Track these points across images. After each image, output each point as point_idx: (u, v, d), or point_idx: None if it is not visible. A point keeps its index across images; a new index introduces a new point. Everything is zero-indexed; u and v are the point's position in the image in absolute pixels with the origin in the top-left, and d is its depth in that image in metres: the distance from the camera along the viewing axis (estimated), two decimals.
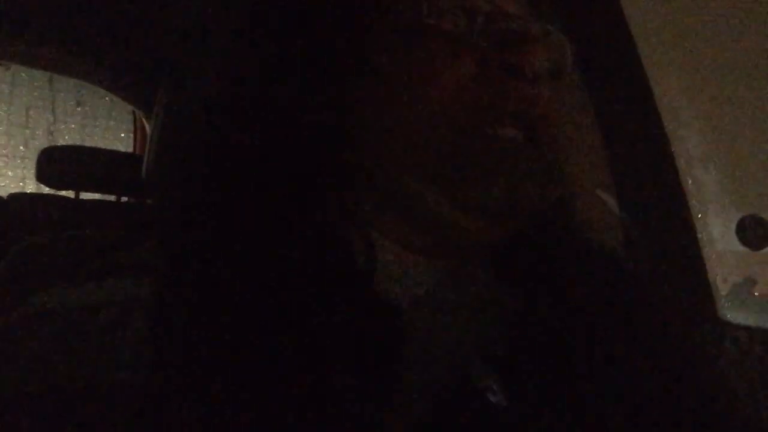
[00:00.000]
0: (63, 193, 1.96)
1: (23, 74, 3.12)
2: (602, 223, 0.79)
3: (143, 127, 2.41)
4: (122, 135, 3.23)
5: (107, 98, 2.66)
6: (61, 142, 3.21)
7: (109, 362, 0.38)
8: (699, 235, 0.83)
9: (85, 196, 1.98)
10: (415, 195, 0.43)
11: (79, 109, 3.27)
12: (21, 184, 3.22)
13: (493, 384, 0.44)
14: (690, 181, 0.82)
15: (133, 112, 2.52)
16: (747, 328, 0.72)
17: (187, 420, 0.37)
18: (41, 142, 3.14)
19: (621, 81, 0.81)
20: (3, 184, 3.19)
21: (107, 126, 3.29)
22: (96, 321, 0.39)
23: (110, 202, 2.02)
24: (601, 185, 0.80)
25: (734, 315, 0.79)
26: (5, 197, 1.97)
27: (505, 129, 0.43)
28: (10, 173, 3.23)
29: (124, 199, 2.03)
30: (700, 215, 0.82)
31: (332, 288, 0.41)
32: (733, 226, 0.87)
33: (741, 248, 0.85)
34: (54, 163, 1.89)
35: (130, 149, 2.69)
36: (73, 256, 0.44)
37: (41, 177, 1.90)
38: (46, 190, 1.98)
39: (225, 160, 0.45)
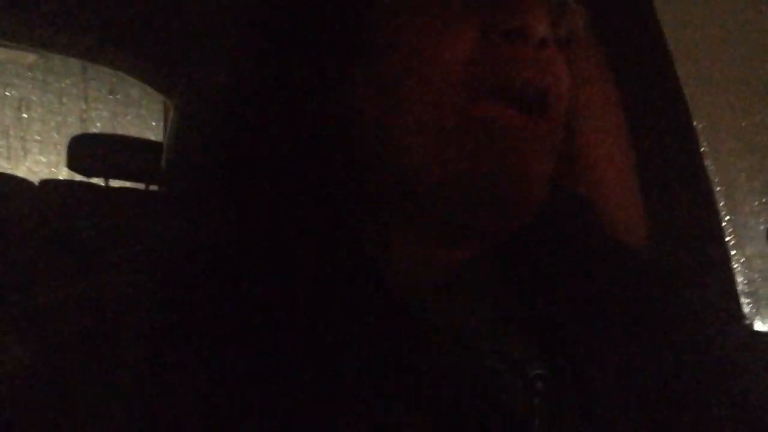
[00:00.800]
0: (93, 180, 1.99)
1: (57, 61, 3.17)
2: (625, 218, 0.78)
3: None
4: (153, 124, 3.26)
5: (139, 87, 2.68)
6: (92, 129, 3.25)
7: (108, 360, 0.38)
8: (728, 238, 0.81)
9: (115, 183, 2.00)
10: (415, 181, 0.42)
11: (111, 97, 3.31)
12: (53, 170, 3.26)
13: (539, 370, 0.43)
14: (720, 182, 0.81)
15: (164, 102, 2.54)
16: None
17: (190, 418, 0.36)
18: (73, 130, 3.18)
19: (645, 56, 0.79)
20: (36, 170, 3.25)
21: (138, 114, 3.32)
22: (97, 316, 0.39)
23: (139, 190, 2.04)
24: (625, 172, 0.79)
25: (761, 321, 0.78)
26: (37, 183, 2.00)
27: (513, 101, 0.41)
28: (43, 159, 3.28)
29: (153, 187, 2.05)
30: (730, 217, 0.81)
31: (343, 282, 0.41)
32: (764, 230, 0.85)
33: None
34: (85, 151, 1.91)
35: (161, 138, 2.71)
36: (76, 250, 0.45)
37: (72, 164, 1.93)
38: (77, 177, 2.01)
39: (235, 154, 0.45)
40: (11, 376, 0.37)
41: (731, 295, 0.77)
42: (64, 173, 3.15)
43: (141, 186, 2.06)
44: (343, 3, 0.44)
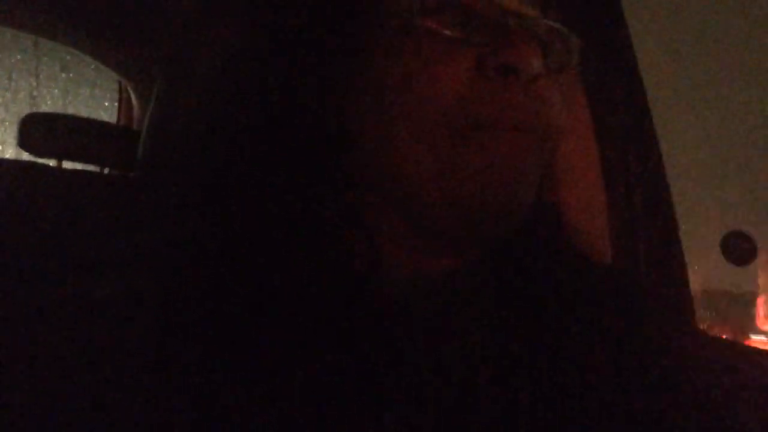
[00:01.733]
0: (44, 160, 1.93)
1: (7, 35, 3.06)
2: (591, 228, 0.80)
3: (129, 99, 2.38)
4: (106, 104, 3.18)
5: (93, 66, 2.61)
6: (43, 108, 3.15)
7: (112, 358, 0.37)
8: (684, 247, 0.84)
9: (67, 165, 1.95)
10: (410, 196, 0.43)
11: (63, 75, 3.21)
12: (0, 148, 3.16)
13: None
14: (677, 193, 0.84)
15: (119, 82, 2.49)
16: (723, 341, 0.74)
17: (190, 412, 0.36)
18: (22, 107, 3.08)
19: (618, 85, 0.82)
20: None
21: (91, 94, 3.23)
22: (99, 316, 0.39)
23: (94, 173, 1.99)
24: (593, 188, 0.81)
25: (713, 327, 0.81)
26: None
27: (501, 132, 0.42)
28: None
29: (107, 170, 2.00)
30: (685, 227, 0.84)
31: (331, 290, 0.41)
32: (718, 240, 0.89)
33: (725, 262, 0.86)
34: (37, 130, 1.86)
35: (114, 119, 2.65)
36: (71, 247, 0.44)
37: (23, 143, 1.86)
38: (25, 156, 1.95)
39: (221, 147, 0.45)
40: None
41: (687, 303, 0.80)
42: (10, 152, 3.06)
43: (94, 168, 2.01)
44: (341, 10, 0.44)
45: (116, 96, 2.62)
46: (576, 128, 0.75)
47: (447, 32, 0.42)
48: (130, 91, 2.31)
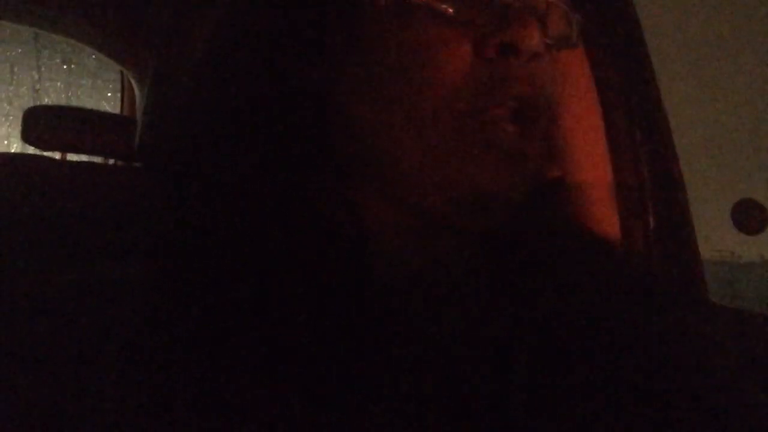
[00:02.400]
0: (49, 153, 1.93)
1: (8, 29, 3.05)
2: (599, 205, 0.79)
3: (131, 88, 2.37)
4: (109, 95, 3.18)
5: (94, 57, 2.61)
6: (46, 100, 3.16)
7: (100, 347, 0.37)
8: (694, 217, 0.83)
9: (72, 157, 1.95)
10: (405, 182, 0.42)
11: (65, 67, 3.21)
12: (5, 142, 3.17)
13: None
14: (685, 163, 0.82)
15: (121, 72, 2.48)
16: (735, 310, 0.73)
17: (179, 404, 0.36)
18: (26, 101, 3.08)
19: (625, 59, 0.81)
20: None
21: (94, 85, 3.23)
22: (89, 305, 0.39)
23: (98, 164, 1.99)
24: (599, 163, 0.80)
25: (724, 298, 0.80)
26: None
27: (503, 111, 0.42)
28: None
29: (112, 161, 2.00)
30: (694, 197, 0.83)
31: (324, 274, 0.41)
32: (729, 210, 0.87)
33: (735, 232, 0.85)
34: (40, 123, 1.86)
35: (117, 110, 2.65)
36: (65, 236, 0.44)
37: (27, 137, 1.86)
38: (30, 149, 1.95)
39: (217, 133, 0.45)
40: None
41: (695, 274, 0.79)
42: (16, 146, 3.07)
43: (98, 160, 2.01)
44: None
45: (119, 86, 2.62)
46: (580, 103, 0.74)
47: (444, 11, 0.42)
48: (132, 81, 2.30)
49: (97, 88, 3.25)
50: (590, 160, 0.72)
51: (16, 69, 3.16)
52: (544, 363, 0.44)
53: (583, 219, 0.61)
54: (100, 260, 0.41)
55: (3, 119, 3.14)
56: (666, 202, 0.81)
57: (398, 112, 0.41)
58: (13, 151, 2.89)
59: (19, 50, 3.15)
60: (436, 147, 0.41)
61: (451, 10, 0.42)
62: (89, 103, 3.22)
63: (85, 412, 0.35)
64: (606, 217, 0.73)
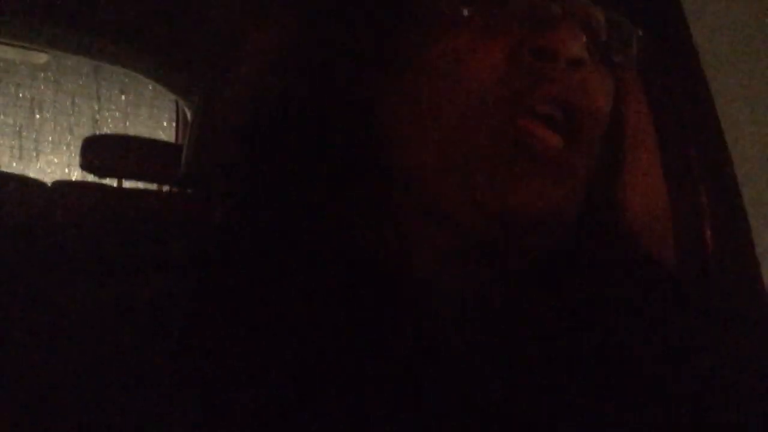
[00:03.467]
0: (106, 181, 1.98)
1: (69, 61, 3.17)
2: (653, 233, 0.76)
3: (185, 117, 2.43)
4: (164, 124, 3.26)
5: (150, 86, 2.68)
6: (105, 129, 3.26)
7: (138, 359, 0.37)
8: (756, 243, 0.80)
9: (128, 184, 2.00)
10: (439, 197, 0.41)
11: (123, 97, 3.31)
12: (66, 170, 3.27)
13: None
14: (748, 188, 0.79)
15: (176, 101, 2.54)
16: None
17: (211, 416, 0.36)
18: (86, 130, 3.19)
19: (680, 82, 0.78)
20: (49, 171, 3.25)
21: (150, 114, 3.32)
22: (128, 318, 0.39)
23: (152, 191, 2.04)
24: (655, 187, 0.77)
25: None
26: (50, 184, 2.00)
27: (540, 121, 0.40)
28: (56, 160, 3.29)
29: (166, 188, 2.04)
30: (757, 222, 0.79)
31: (360, 289, 0.40)
32: None
33: None
34: (97, 151, 1.92)
35: (172, 138, 2.71)
36: (106, 249, 0.44)
37: (85, 165, 1.93)
38: (90, 177, 2.01)
39: (261, 157, 0.45)
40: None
41: (762, 304, 0.76)
42: (76, 174, 3.17)
43: (154, 187, 2.06)
44: (374, 17, 0.43)
45: (174, 115, 2.68)
46: (636, 125, 0.72)
47: (479, 21, 0.41)
48: (186, 110, 2.36)
49: (153, 117, 3.34)
50: (645, 182, 0.70)
51: (76, 100, 3.27)
52: (596, 393, 0.42)
53: (636, 242, 0.59)
54: (142, 277, 0.41)
55: (64, 148, 3.25)
56: (725, 228, 0.78)
57: (437, 123, 0.41)
58: (73, 179, 2.98)
59: (80, 82, 3.27)
60: (476, 159, 0.40)
61: (485, 19, 0.41)
62: (145, 131, 3.31)
63: (116, 423, 0.35)
64: (661, 242, 0.71)
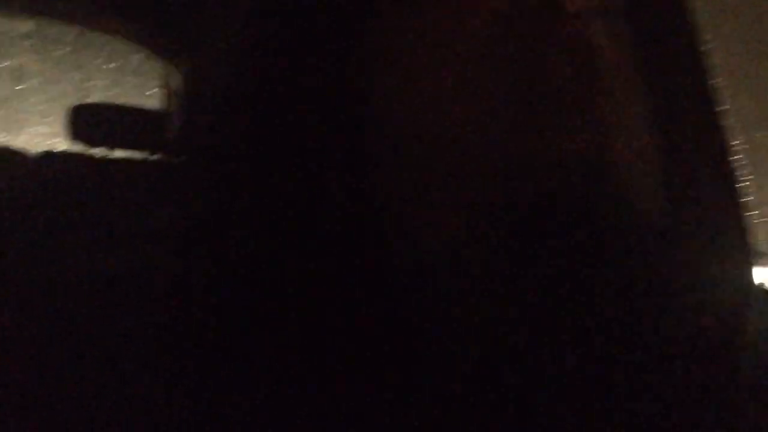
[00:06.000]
0: (95, 151, 1.96)
1: (52, 30, 3.12)
2: (644, 184, 0.76)
3: (172, 84, 2.40)
4: (151, 92, 3.22)
5: (136, 55, 2.64)
6: (90, 98, 3.22)
7: (129, 333, 0.37)
8: (748, 200, 0.80)
9: (117, 153, 1.98)
10: (434, 156, 0.40)
11: (108, 66, 3.26)
12: (53, 141, 3.24)
13: None
14: (741, 143, 0.79)
15: (163, 68, 2.51)
16: None
17: (201, 391, 0.36)
18: (71, 100, 3.14)
19: (673, 34, 0.77)
20: (35, 141, 3.22)
21: (136, 83, 3.28)
22: (116, 291, 0.38)
23: (140, 160, 2.02)
24: (641, 135, 0.77)
25: None
26: (36, 155, 1.98)
27: (548, 71, 0.39)
28: (42, 130, 3.25)
29: (155, 156, 2.02)
30: (750, 179, 0.79)
31: (351, 260, 0.40)
32: None
33: None
34: (85, 121, 1.89)
35: (160, 106, 2.68)
36: (93, 222, 0.43)
37: (72, 135, 1.90)
38: (76, 147, 1.99)
39: (248, 127, 0.44)
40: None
41: (744, 256, 0.76)
42: (63, 145, 3.13)
43: (143, 156, 2.04)
44: None
45: (161, 83, 2.65)
46: (630, 79, 0.71)
47: None
48: (173, 77, 2.33)
49: (139, 85, 3.30)
50: (638, 137, 0.69)
51: (61, 68, 3.22)
52: (584, 351, 0.42)
53: (628, 199, 0.59)
54: (126, 249, 0.41)
55: (51, 118, 3.21)
56: (717, 191, 0.78)
57: (428, 86, 0.40)
58: (59, 149, 2.95)
59: (65, 50, 3.22)
60: (479, 112, 0.39)
61: None
62: (133, 100, 3.28)
63: (96, 396, 0.35)
64: (652, 198, 0.71)
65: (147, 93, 3.36)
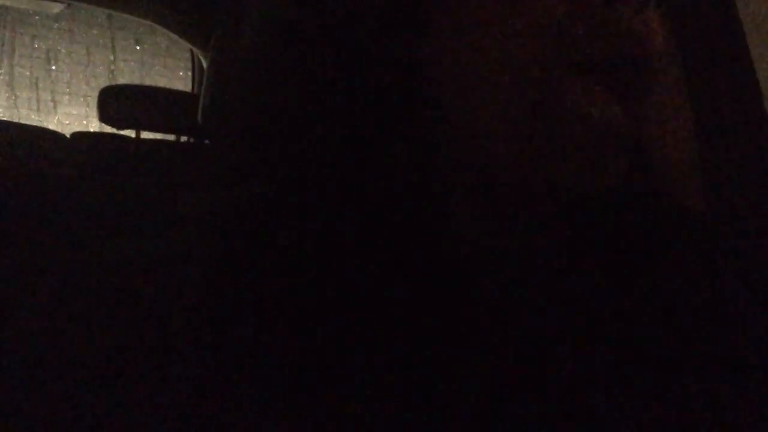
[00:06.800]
0: (124, 132, 1.98)
1: (83, 11, 3.14)
2: (690, 177, 0.75)
3: (201, 66, 2.40)
4: (180, 74, 3.24)
5: (166, 36, 2.65)
6: (120, 80, 3.24)
7: (162, 318, 0.37)
8: None
9: (146, 135, 1.99)
10: (491, 161, 0.39)
11: (138, 47, 3.28)
12: (84, 122, 3.27)
13: None
14: None
15: (191, 51, 2.51)
16: None
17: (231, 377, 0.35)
18: (102, 81, 3.17)
19: (710, 15, 0.75)
20: (67, 122, 3.26)
21: (166, 64, 3.30)
22: (150, 276, 0.38)
23: (170, 141, 2.03)
24: (686, 141, 0.75)
25: None
26: (68, 136, 2.00)
27: (604, 73, 0.38)
28: (74, 111, 3.28)
29: (184, 139, 2.04)
30: None
31: (407, 254, 0.39)
32: None
33: None
34: (115, 103, 1.91)
35: (189, 88, 2.69)
36: (128, 207, 0.44)
37: (103, 116, 1.92)
38: (108, 128, 2.00)
39: (284, 106, 0.43)
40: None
41: None
42: (94, 125, 3.17)
43: (171, 138, 2.06)
44: None
45: (189, 65, 2.66)
46: (670, 73, 0.70)
47: None
48: (201, 59, 2.33)
49: (169, 66, 3.32)
50: (678, 133, 0.68)
51: (91, 50, 3.25)
52: (627, 348, 0.41)
53: (669, 196, 0.58)
54: (159, 232, 0.40)
55: (81, 99, 3.24)
56: (756, 186, 0.76)
57: (487, 84, 0.38)
58: (90, 130, 2.98)
59: (94, 32, 3.24)
60: (527, 108, 0.38)
61: None
62: (161, 82, 3.30)
63: (127, 381, 0.35)
64: (692, 196, 0.70)
65: (177, 75, 3.38)
